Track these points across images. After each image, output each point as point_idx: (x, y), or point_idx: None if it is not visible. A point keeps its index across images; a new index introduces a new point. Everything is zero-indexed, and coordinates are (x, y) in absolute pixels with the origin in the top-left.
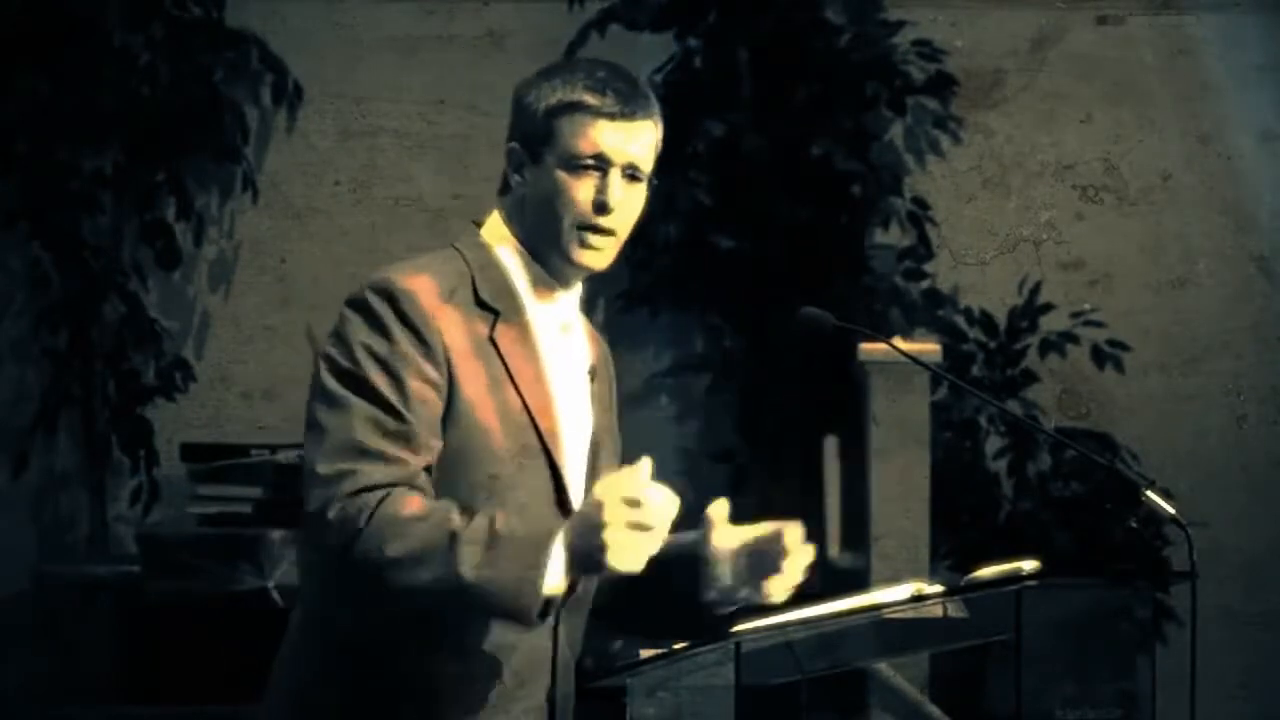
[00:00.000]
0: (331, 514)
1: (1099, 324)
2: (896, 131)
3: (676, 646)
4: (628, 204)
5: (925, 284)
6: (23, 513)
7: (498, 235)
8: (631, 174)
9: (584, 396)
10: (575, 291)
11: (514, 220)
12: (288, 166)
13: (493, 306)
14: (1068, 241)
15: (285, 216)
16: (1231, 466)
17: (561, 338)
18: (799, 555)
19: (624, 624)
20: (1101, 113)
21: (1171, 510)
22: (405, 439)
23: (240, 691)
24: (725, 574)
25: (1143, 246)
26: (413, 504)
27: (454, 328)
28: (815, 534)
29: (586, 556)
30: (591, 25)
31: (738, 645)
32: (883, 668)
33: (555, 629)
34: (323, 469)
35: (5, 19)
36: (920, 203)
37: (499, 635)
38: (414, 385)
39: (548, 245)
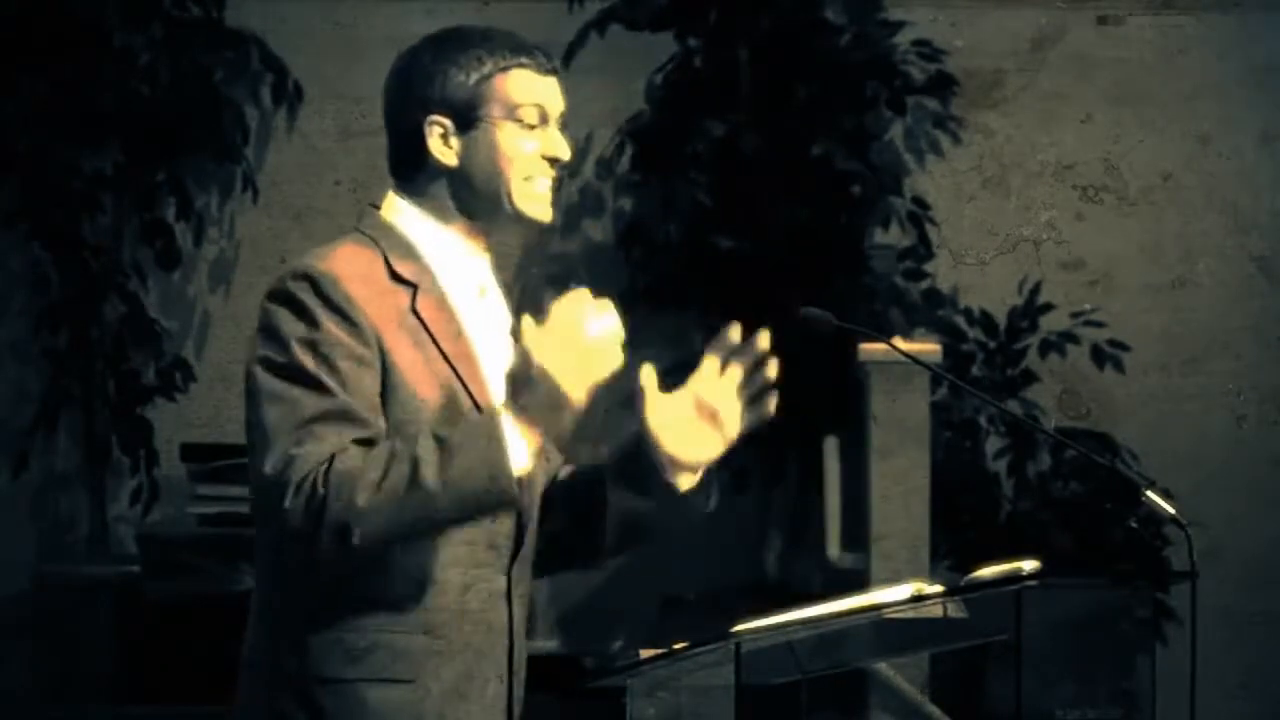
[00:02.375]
0: (288, 502)
1: (1099, 324)
2: (896, 131)
3: (676, 646)
4: (569, 153)
5: (925, 284)
6: (23, 513)
7: (401, 212)
8: (563, 124)
9: (509, 357)
10: (487, 256)
11: (431, 193)
12: (288, 166)
13: (409, 280)
14: (1068, 241)
15: (285, 216)
16: (1231, 466)
17: (480, 302)
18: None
19: (631, 541)
20: (1101, 113)
21: (1171, 510)
22: (347, 418)
23: None
24: (668, 441)
25: (1143, 246)
26: (354, 455)
27: (376, 305)
28: (815, 534)
29: (541, 406)
30: (591, 25)
31: (738, 645)
32: (883, 668)
33: (509, 594)
34: (270, 463)
35: (5, 19)
36: (920, 203)
37: (448, 613)
38: (347, 366)
39: (494, 205)
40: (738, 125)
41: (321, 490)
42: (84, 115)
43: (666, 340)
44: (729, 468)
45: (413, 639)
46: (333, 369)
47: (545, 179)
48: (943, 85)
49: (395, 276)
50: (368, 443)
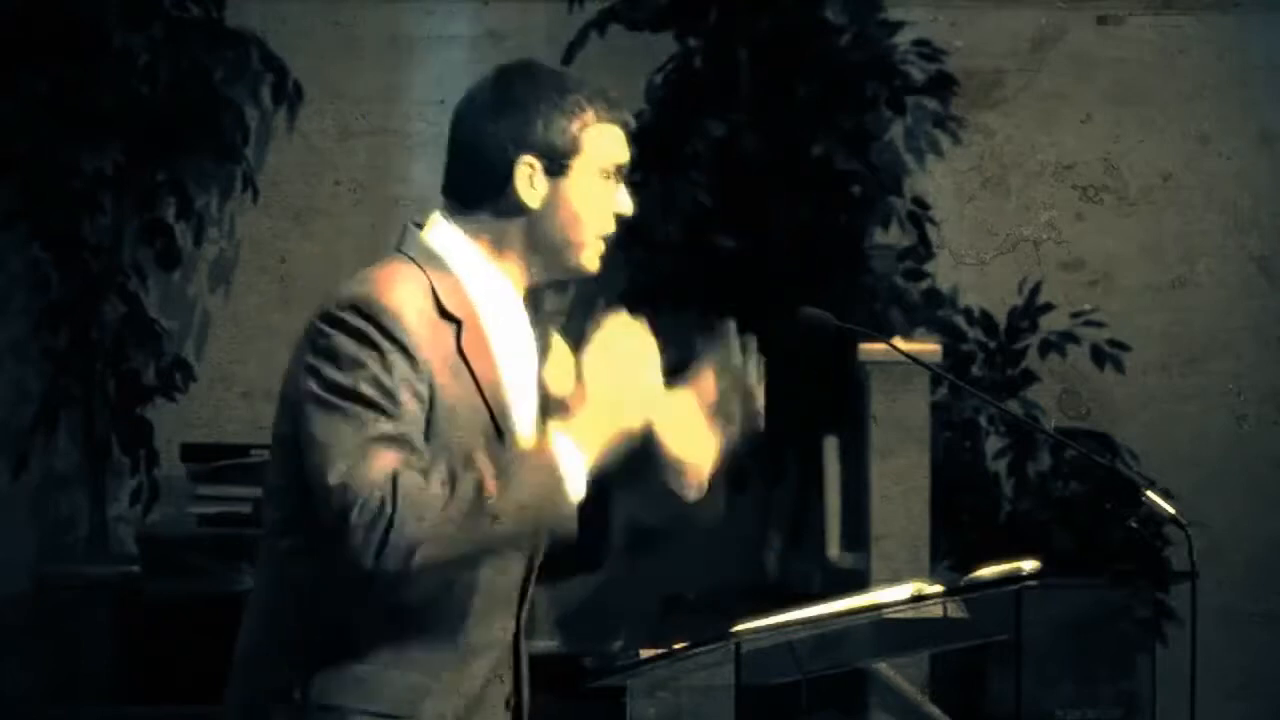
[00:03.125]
0: (354, 518)
1: (1099, 324)
2: (896, 131)
3: (676, 646)
4: (630, 213)
5: (925, 284)
6: (23, 513)
7: (451, 240)
8: (625, 179)
9: (535, 400)
10: (522, 294)
11: (494, 227)
12: (288, 166)
13: (455, 316)
14: (1068, 241)
15: (285, 216)
16: (1231, 466)
17: (515, 342)
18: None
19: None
20: (1101, 113)
21: (1171, 510)
22: (407, 445)
23: None
24: (672, 441)
25: (1143, 246)
26: (419, 477)
27: (429, 341)
28: (815, 534)
29: (595, 431)
30: (591, 25)
31: (738, 645)
32: (883, 668)
33: (519, 618)
34: (334, 477)
35: (5, 19)
36: (920, 203)
37: (458, 649)
38: (406, 399)
39: (557, 252)
40: (738, 125)
41: (389, 508)
42: (84, 115)
43: (666, 340)
44: (729, 467)
45: (410, 676)
46: (394, 399)
47: (609, 236)
48: (943, 85)
49: (442, 310)
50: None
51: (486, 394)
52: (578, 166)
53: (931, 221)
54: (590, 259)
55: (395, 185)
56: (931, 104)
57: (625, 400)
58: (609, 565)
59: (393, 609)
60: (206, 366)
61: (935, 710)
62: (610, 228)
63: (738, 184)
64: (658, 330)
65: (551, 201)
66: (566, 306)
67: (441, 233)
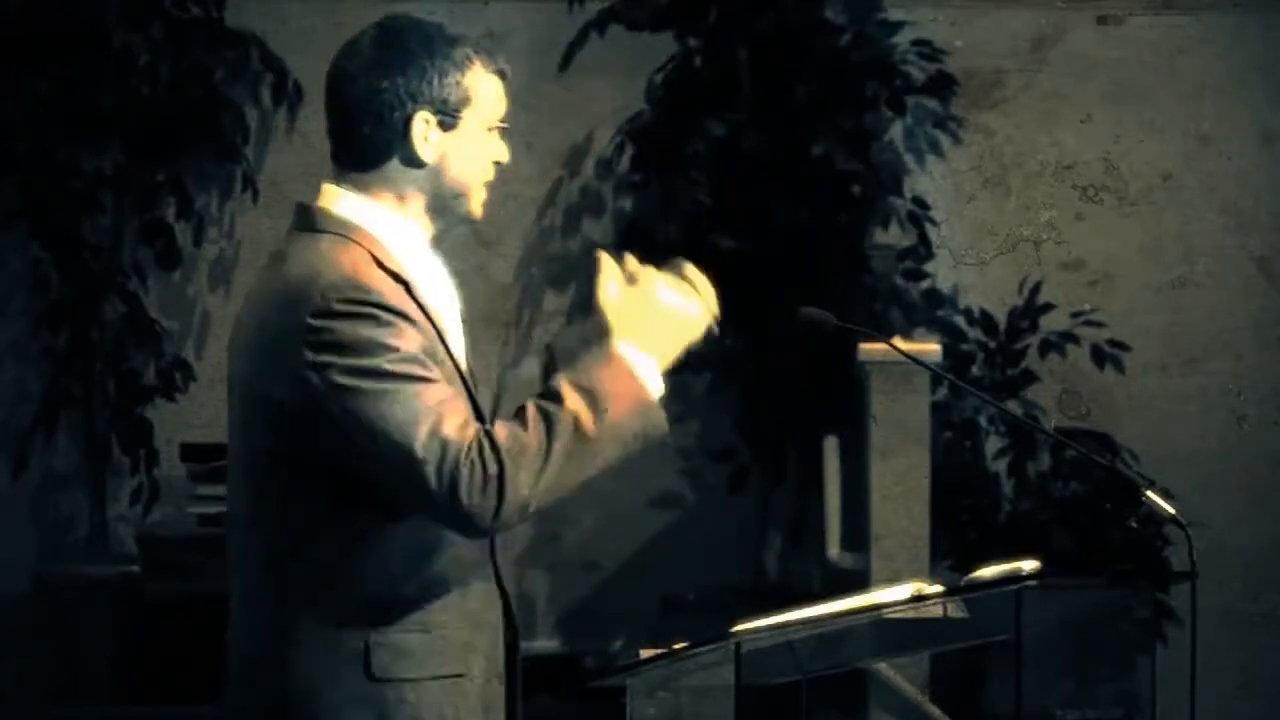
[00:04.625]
0: (464, 486)
1: (1099, 324)
2: (896, 131)
3: (676, 646)
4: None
5: (925, 284)
6: (23, 513)
7: (356, 206)
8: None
9: (463, 340)
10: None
11: (395, 183)
12: (288, 166)
13: (400, 276)
14: (1068, 241)
15: (285, 216)
16: (1231, 466)
17: (441, 290)
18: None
19: None
20: (1101, 113)
21: (1171, 510)
22: (461, 400)
23: None
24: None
25: (1143, 246)
26: (508, 428)
27: (404, 303)
28: (815, 534)
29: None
30: (591, 25)
31: (738, 645)
32: (883, 668)
33: (496, 567)
34: (420, 450)
35: (5, 19)
36: (920, 203)
37: (447, 597)
38: (431, 364)
39: (459, 203)
40: (738, 125)
41: (495, 466)
42: (84, 115)
43: None
44: (729, 467)
45: (409, 637)
46: (424, 365)
47: (490, 181)
48: (943, 85)
49: (389, 273)
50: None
51: (447, 342)
52: (467, 118)
53: (931, 221)
54: (478, 206)
55: None
56: (931, 104)
57: (669, 307)
58: (608, 566)
59: (427, 578)
60: (206, 366)
61: (935, 710)
62: (491, 175)
63: (738, 184)
64: None
65: (445, 154)
66: (566, 306)
67: (346, 202)
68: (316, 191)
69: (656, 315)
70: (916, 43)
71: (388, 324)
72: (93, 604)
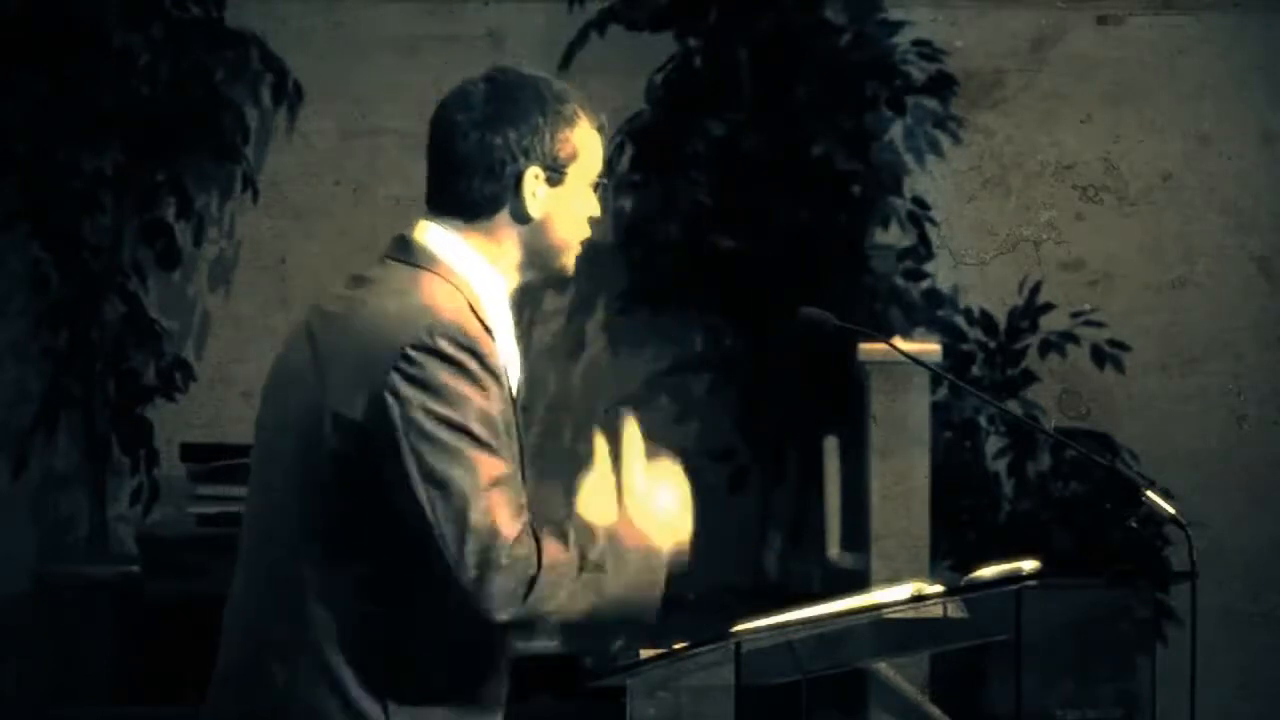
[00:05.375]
0: (498, 567)
1: (1099, 324)
2: (896, 131)
3: (676, 646)
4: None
5: (925, 284)
6: (23, 513)
7: (458, 251)
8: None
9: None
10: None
11: (492, 237)
12: (288, 166)
13: (488, 326)
14: (1068, 241)
15: (285, 216)
16: (1231, 466)
17: (511, 346)
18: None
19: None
20: (1101, 113)
21: (1171, 510)
22: (515, 484)
23: None
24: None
25: (1143, 246)
26: (558, 558)
27: (496, 361)
28: (815, 534)
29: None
30: (591, 25)
31: (738, 645)
32: (883, 668)
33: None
34: (474, 521)
35: (5, 19)
36: (920, 203)
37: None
38: (505, 432)
39: (555, 262)
40: (738, 125)
41: (533, 570)
42: (84, 115)
43: (666, 340)
44: (729, 467)
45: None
46: (497, 434)
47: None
48: (943, 85)
49: (483, 324)
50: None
51: (517, 411)
52: (573, 174)
53: (931, 221)
54: (572, 262)
55: (395, 185)
56: (931, 104)
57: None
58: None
59: (463, 645)
60: (206, 366)
61: (935, 710)
62: (589, 232)
63: (738, 184)
64: (658, 330)
65: (551, 210)
66: (566, 306)
67: (446, 243)
68: (315, 192)
69: (658, 521)
70: (916, 43)
71: (479, 381)
72: (93, 604)
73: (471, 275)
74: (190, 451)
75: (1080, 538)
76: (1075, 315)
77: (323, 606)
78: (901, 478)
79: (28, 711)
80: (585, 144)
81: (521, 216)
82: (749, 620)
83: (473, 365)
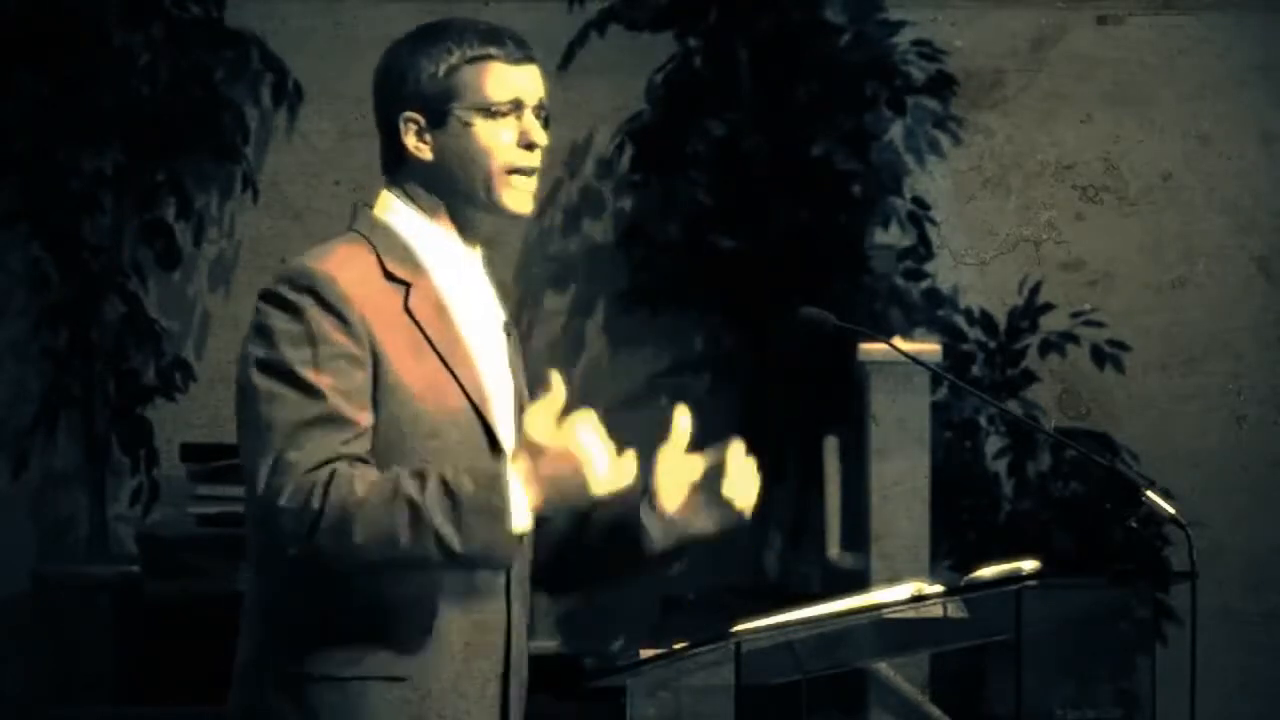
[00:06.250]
0: (283, 501)
1: (1099, 324)
2: (896, 131)
3: (676, 646)
4: (546, 140)
5: (925, 284)
6: (23, 513)
7: (393, 210)
8: (539, 113)
9: (503, 354)
10: (478, 251)
11: (415, 190)
12: (288, 166)
13: (402, 279)
14: (1068, 241)
15: (285, 216)
16: (1231, 466)
17: (472, 299)
18: (744, 479)
19: (562, 582)
20: (1101, 113)
21: (1171, 510)
22: (335, 421)
23: None
24: (658, 533)
25: (1143, 246)
26: (360, 481)
27: (370, 304)
28: (815, 534)
29: (554, 481)
30: (591, 25)
31: (738, 645)
32: (883, 668)
33: (509, 592)
34: (264, 460)
35: (5, 19)
36: (920, 203)
37: (446, 610)
38: (338, 365)
39: (471, 199)
40: (738, 125)
41: (316, 505)
42: (84, 115)
43: (666, 340)
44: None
45: (411, 638)
46: (321, 369)
47: (525, 169)
48: (943, 85)
49: (389, 276)
50: (357, 455)
51: (443, 352)
52: (460, 110)
53: (931, 221)
54: (510, 197)
55: None
56: (931, 104)
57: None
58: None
59: (368, 603)
60: (206, 366)
61: (935, 710)
62: (513, 162)
63: (738, 184)
64: (658, 330)
65: (441, 151)
66: (566, 306)
67: (385, 203)
68: (315, 192)
69: (566, 460)
70: (916, 43)
71: (312, 322)
72: (93, 604)
73: (403, 230)
74: (190, 451)
75: (1080, 538)
76: (1075, 315)
77: (251, 574)
78: (901, 478)
79: (28, 711)
80: (466, 79)
81: (411, 161)
82: (749, 620)
83: (308, 306)
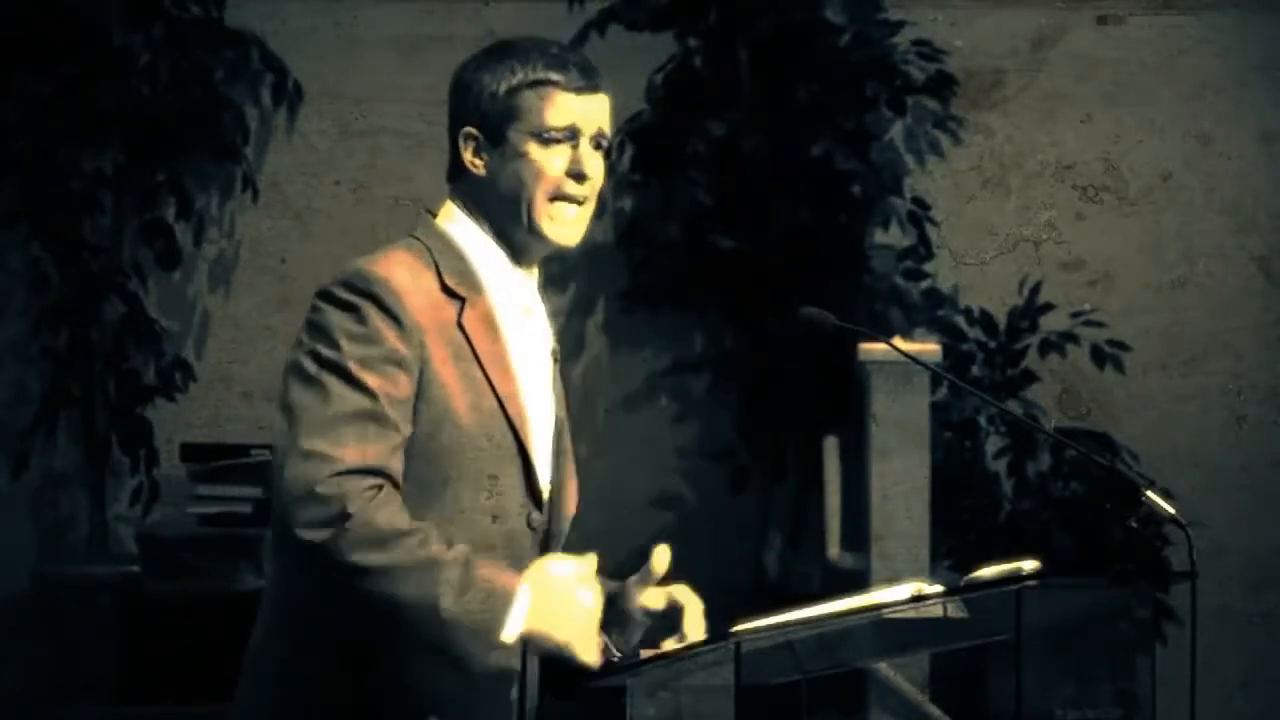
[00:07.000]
0: (320, 489)
1: (1099, 324)
2: (896, 131)
3: (676, 646)
4: (599, 172)
5: (925, 284)
6: (23, 513)
7: (455, 222)
8: (598, 143)
9: (547, 379)
10: (534, 274)
11: (473, 205)
12: (288, 166)
13: (458, 293)
14: (1068, 241)
15: (285, 216)
16: (1231, 466)
17: (524, 321)
18: (696, 621)
19: None
20: (1101, 113)
21: (1171, 510)
22: (376, 419)
23: None
24: (634, 633)
25: (1143, 246)
26: (394, 512)
27: (425, 314)
28: (815, 534)
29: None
30: (591, 25)
31: (738, 645)
32: (883, 668)
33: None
34: (305, 445)
35: (5, 19)
36: (920, 203)
37: None
38: (390, 370)
39: (517, 222)
40: (738, 125)
41: (351, 510)
42: (84, 115)
43: (666, 340)
44: (729, 467)
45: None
46: (374, 370)
47: (571, 197)
48: (943, 85)
49: (445, 288)
50: (397, 479)
51: (489, 371)
52: (515, 132)
53: (931, 221)
54: (550, 226)
55: (395, 185)
56: (931, 104)
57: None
58: (607, 567)
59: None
60: (206, 366)
61: (935, 710)
62: (560, 190)
63: (738, 184)
64: (658, 330)
65: (494, 170)
66: (566, 306)
67: (448, 214)
68: (316, 192)
69: (566, 603)
70: (916, 43)
71: (371, 324)
72: (93, 604)
73: (462, 243)
74: (190, 451)
75: (1080, 538)
76: (1075, 315)
77: (271, 566)
78: (901, 478)
79: (28, 711)
80: (525, 101)
81: (468, 177)
82: (749, 620)
83: (368, 308)
